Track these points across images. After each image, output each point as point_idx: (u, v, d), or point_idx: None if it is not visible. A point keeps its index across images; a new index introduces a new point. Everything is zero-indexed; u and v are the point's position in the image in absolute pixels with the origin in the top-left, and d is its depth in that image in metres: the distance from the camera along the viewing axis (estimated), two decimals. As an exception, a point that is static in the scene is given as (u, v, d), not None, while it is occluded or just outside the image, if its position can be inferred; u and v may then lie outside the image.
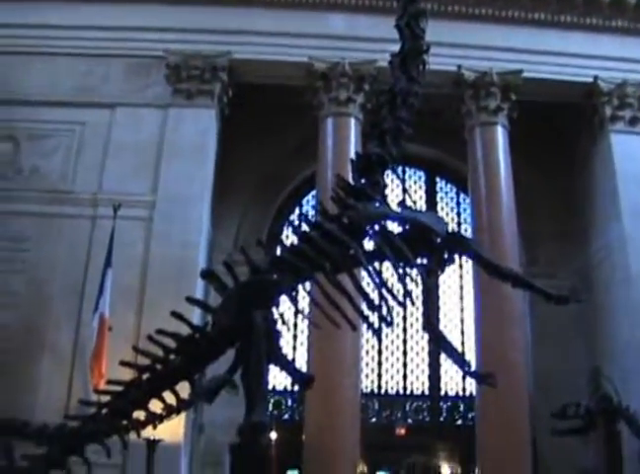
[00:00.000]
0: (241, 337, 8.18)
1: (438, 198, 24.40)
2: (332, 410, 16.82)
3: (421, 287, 8.63)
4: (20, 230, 17.34)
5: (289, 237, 9.99)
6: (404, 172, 23.78)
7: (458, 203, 24.49)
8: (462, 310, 23.57)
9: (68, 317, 16.34)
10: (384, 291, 8.50)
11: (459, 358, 8.76)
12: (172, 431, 13.54)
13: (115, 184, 17.44)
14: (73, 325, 16.27)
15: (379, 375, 23.10)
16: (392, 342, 23.31)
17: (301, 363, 18.35)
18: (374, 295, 8.51)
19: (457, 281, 23.74)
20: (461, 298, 23.76)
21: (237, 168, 20.71)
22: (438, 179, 24.52)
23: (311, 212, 21.23)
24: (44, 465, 8.44)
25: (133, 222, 16.90)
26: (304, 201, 22.94)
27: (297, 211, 22.61)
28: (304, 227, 8.94)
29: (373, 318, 9.11)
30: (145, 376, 8.21)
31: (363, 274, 8.63)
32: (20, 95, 18.27)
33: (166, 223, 16.77)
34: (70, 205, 17.46)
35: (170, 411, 8.30)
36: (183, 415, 8.63)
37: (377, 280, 8.48)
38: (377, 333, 9.02)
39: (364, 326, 8.25)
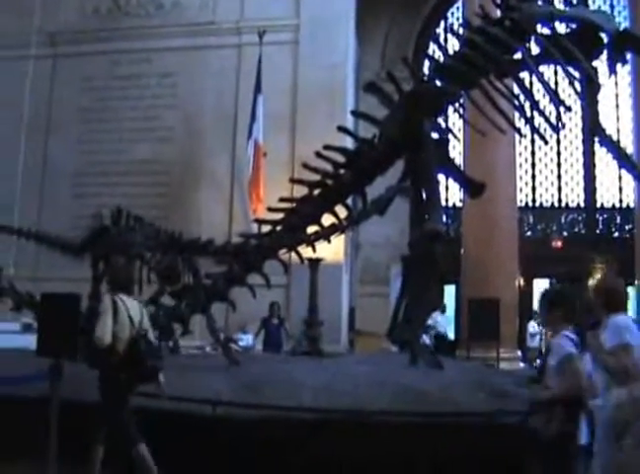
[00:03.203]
0: (410, 147, 8.12)
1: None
2: (489, 224, 16.78)
3: (584, 91, 8.27)
4: (167, 65, 17.60)
5: (440, 47, 9.66)
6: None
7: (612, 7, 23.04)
8: (618, 119, 22.60)
9: (223, 146, 16.69)
10: (551, 95, 8.21)
11: (629, 163, 8.44)
12: (333, 250, 13.82)
13: (256, 10, 17.15)
14: (228, 154, 16.63)
15: (534, 188, 22.78)
16: (545, 154, 22.76)
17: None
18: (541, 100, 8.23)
19: (613, 89, 22.63)
20: (617, 107, 22.75)
21: (380, -16, 19.91)
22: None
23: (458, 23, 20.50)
24: (227, 282, 8.87)
25: (279, 47, 16.73)
26: (449, 14, 22.01)
27: (443, 24, 21.76)
28: (466, 33, 8.63)
29: (540, 124, 8.88)
30: (316, 192, 8.33)
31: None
32: None
33: (312, 46, 16.50)
34: (214, 36, 17.42)
35: (340, 226, 8.43)
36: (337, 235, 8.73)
37: (545, 85, 8.17)
38: (545, 139, 8.79)
39: (527, 134, 8.02)
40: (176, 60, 17.52)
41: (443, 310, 18.86)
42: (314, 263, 12.88)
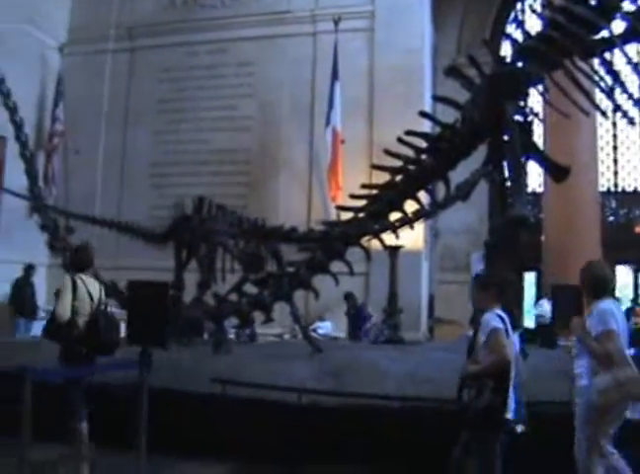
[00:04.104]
0: (493, 130, 7.97)
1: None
2: (570, 209, 16.46)
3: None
4: (243, 55, 17.69)
5: (521, 29, 9.43)
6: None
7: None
8: None
9: (300, 134, 16.68)
10: (638, 75, 7.95)
11: None
12: (412, 237, 13.70)
13: (331, -3, 17.12)
14: (306, 141, 16.62)
15: (615, 173, 22.19)
16: (627, 137, 22.15)
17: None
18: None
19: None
20: None
21: (454, -33, 19.64)
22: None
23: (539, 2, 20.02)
24: (309, 269, 8.86)
25: (354, 34, 16.63)
26: None
27: (520, 6, 21.29)
28: (547, 13, 8.42)
29: (626, 105, 8.62)
30: (399, 178, 8.25)
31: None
32: None
33: (387, 32, 16.35)
34: (290, 24, 17.41)
35: (424, 212, 8.34)
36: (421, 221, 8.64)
37: (633, 65, 7.93)
38: (632, 120, 8.52)
39: (609, 116, 7.78)
40: (252, 50, 17.59)
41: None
42: (394, 250, 12.79)
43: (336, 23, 16.23)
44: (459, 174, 8.39)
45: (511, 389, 5.03)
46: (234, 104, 17.50)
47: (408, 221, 8.13)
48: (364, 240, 8.60)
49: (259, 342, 10.17)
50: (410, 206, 8.36)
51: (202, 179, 16.36)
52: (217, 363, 7.87)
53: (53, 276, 15.95)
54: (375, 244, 9.20)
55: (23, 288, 14.73)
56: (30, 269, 14.93)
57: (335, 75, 15.90)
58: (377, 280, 14.50)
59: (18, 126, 10.57)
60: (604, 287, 5.32)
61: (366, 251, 8.79)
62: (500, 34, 19.55)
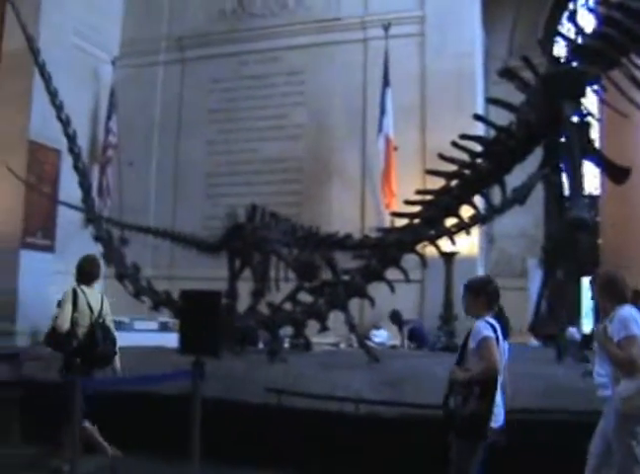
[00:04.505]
0: (549, 132, 7.79)
1: None
2: (629, 211, 16.07)
3: None
4: (294, 63, 17.69)
5: (576, 27, 9.19)
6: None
7: None
8: None
9: (352, 142, 16.60)
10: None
11: None
12: (467, 243, 13.55)
13: (380, 3, 16.96)
14: (358, 149, 16.53)
15: (676, 174, 21.64)
16: (689, 137, 21.57)
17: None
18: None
19: None
20: None
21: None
22: None
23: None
24: (365, 277, 8.75)
25: (405, 39, 16.48)
26: None
27: (572, 6, 20.78)
28: (603, 10, 8.23)
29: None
30: (454, 183, 8.11)
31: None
32: None
33: (438, 36, 16.18)
34: (339, 32, 17.33)
35: (481, 217, 8.17)
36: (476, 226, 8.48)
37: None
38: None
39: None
40: (302, 58, 17.57)
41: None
42: (449, 257, 12.67)
43: (386, 29, 16.14)
44: (515, 177, 8.23)
45: (499, 398, 4.99)
46: (285, 112, 17.48)
47: (465, 226, 7.98)
48: (420, 246, 8.47)
49: (314, 351, 10.04)
50: (466, 212, 8.22)
51: (255, 188, 16.32)
52: (272, 373, 7.80)
53: (109, 286, 16.08)
54: (430, 251, 9.07)
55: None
56: (85, 280, 14.99)
57: (386, 81, 15.78)
58: (433, 288, 14.35)
59: (71, 139, 10.63)
60: (623, 293, 5.25)
61: (422, 257, 8.66)
62: (553, 34, 19.22)
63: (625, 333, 4.92)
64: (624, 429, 4.92)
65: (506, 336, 5.34)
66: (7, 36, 15.95)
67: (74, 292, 6.80)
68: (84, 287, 6.90)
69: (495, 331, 5.04)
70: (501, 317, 5.57)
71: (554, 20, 19.95)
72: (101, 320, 6.83)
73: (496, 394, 4.91)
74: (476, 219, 7.99)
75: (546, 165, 7.98)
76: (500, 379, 4.97)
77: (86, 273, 7.04)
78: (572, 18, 18.61)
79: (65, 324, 6.61)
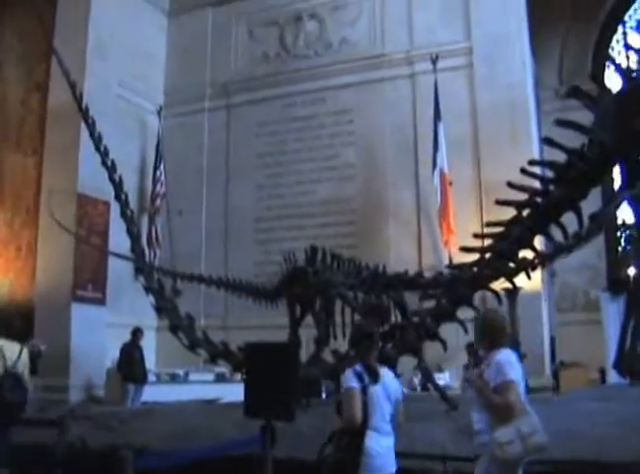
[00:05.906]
0: (629, 151, 7.25)
1: None
2: None
3: None
4: (341, 103, 17.45)
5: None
6: None
7: None
8: None
9: (405, 178, 16.23)
10: None
11: None
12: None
13: (426, 36, 16.69)
14: (411, 185, 16.13)
15: None
16: None
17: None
18: None
19: None
20: None
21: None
22: None
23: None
24: (435, 318, 8.23)
25: (453, 72, 16.13)
26: (626, 17, 20.31)
27: (621, 29, 20.11)
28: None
29: None
30: (526, 212, 7.60)
31: None
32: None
33: (487, 67, 15.77)
34: (386, 68, 17.11)
35: (564, 247, 7.56)
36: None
37: None
38: None
39: None
40: (350, 97, 17.34)
41: None
42: (512, 292, 12.10)
43: (434, 62, 15.79)
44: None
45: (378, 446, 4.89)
46: (335, 153, 17.21)
47: (545, 258, 7.44)
48: (498, 283, 7.95)
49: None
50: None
51: (308, 232, 15.95)
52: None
53: (162, 338, 15.77)
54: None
55: (131, 353, 14.47)
56: (137, 332, 14.70)
57: (437, 115, 15.37)
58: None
59: (116, 185, 10.28)
60: (500, 336, 5.10)
61: (497, 294, 8.13)
62: (603, 57, 18.73)
63: (502, 378, 4.79)
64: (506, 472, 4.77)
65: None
66: (53, 90, 16.02)
67: None
68: (3, 340, 7.55)
69: (362, 379, 4.95)
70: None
71: (604, 42, 19.41)
72: (12, 370, 7.35)
73: (363, 444, 4.80)
74: (561, 249, 7.41)
75: (626, 187, 7.45)
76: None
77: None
78: (626, 44, 18.12)
79: None
